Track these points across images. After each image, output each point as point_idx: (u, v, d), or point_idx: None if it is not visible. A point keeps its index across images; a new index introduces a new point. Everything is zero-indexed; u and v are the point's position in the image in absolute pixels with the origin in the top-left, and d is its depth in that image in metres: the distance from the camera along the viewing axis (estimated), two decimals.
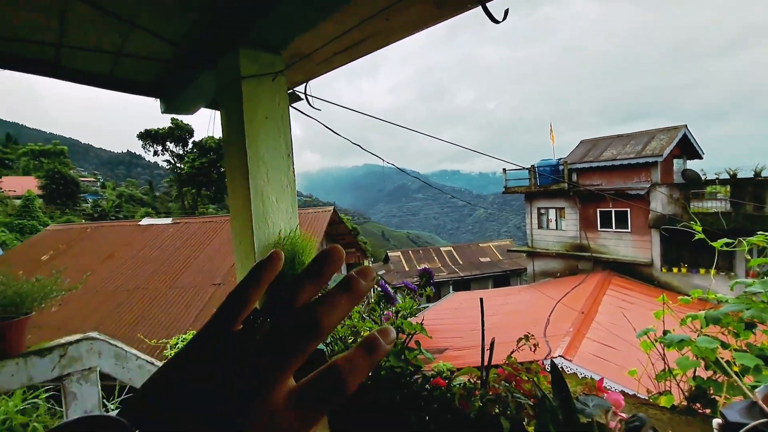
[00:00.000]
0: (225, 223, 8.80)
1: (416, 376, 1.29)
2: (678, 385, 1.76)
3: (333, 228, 8.71)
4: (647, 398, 1.84)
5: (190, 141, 54.21)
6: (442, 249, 28.78)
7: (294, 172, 1.70)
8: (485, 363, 1.22)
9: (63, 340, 2.01)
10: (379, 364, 1.33)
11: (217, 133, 2.10)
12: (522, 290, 18.68)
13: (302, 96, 2.11)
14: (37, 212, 31.91)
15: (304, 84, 2.15)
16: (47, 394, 4.18)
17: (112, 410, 4.07)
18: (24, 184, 40.95)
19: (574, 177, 16.52)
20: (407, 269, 26.05)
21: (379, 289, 1.46)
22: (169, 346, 5.12)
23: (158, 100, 2.34)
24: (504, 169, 18.96)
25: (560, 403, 0.84)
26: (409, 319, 1.52)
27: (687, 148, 14.87)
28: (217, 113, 2.53)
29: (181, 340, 5.20)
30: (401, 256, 27.45)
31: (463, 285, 26.41)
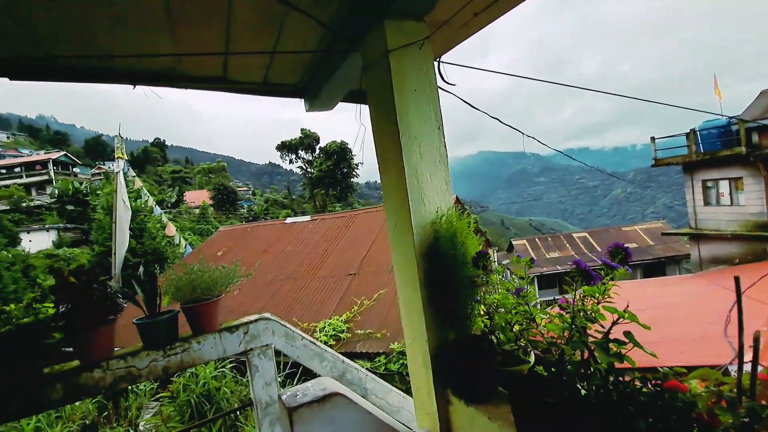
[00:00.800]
0: (354, 218, 9.36)
1: (630, 378, 1.03)
2: None
3: None
4: None
5: (317, 147, 60.30)
6: (574, 235, 25.79)
7: (446, 146, 1.58)
8: (743, 365, 0.89)
9: (245, 320, 2.26)
10: (579, 359, 1.11)
11: (348, 127, 2.10)
12: (684, 280, 15.42)
13: (441, 71, 1.98)
14: (210, 218, 39.69)
15: (438, 60, 2.01)
16: (231, 365, 5.02)
17: (281, 382, 4.68)
18: (200, 196, 51.28)
19: (755, 138, 12.78)
20: (535, 258, 24.08)
21: (573, 265, 1.22)
22: (318, 329, 5.68)
23: (302, 100, 2.51)
24: (652, 138, 15.87)
25: None
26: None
27: None
28: (352, 106, 2.60)
29: (327, 324, 5.71)
30: (527, 245, 25.54)
31: None
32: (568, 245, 24.81)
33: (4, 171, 43.06)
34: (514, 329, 1.52)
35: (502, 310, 1.45)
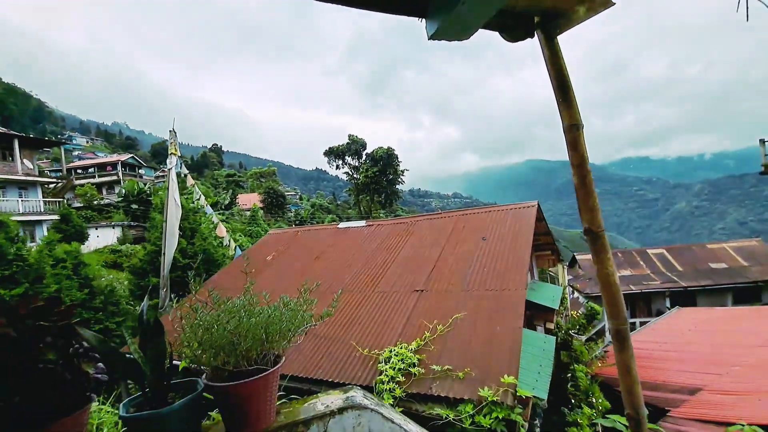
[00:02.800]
0: (414, 225, 8.34)
1: None
2: None
3: (536, 226, 7.16)
4: None
5: (364, 153, 60.30)
6: (650, 251, 22.93)
7: None
8: None
9: (321, 406, 1.22)
10: None
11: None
12: None
13: None
14: (260, 221, 40.50)
15: None
16: None
17: None
18: (251, 199, 52.87)
19: None
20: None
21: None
22: (382, 358, 4.66)
23: (423, 21, 1.53)
24: (762, 140, 13.46)
25: None
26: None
27: None
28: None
29: (394, 354, 4.67)
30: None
31: (684, 298, 20.29)
32: (642, 263, 22.07)
33: (81, 171, 46.98)
34: None
35: None
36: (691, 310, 16.17)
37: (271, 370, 1.17)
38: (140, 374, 1.11)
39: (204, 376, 1.19)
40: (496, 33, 1.71)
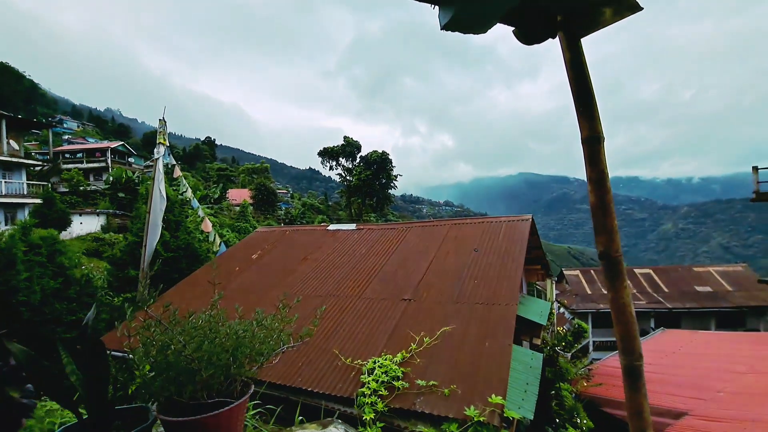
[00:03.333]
0: (406, 232, 8.18)
1: None
2: None
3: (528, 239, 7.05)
4: None
5: (358, 156, 60.10)
6: (636, 271, 23.11)
7: None
8: None
9: None
10: None
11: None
12: None
13: None
14: (249, 216, 39.93)
15: None
16: None
17: None
18: (242, 195, 52.18)
19: None
20: (589, 292, 21.72)
21: None
22: (365, 369, 4.45)
23: (436, 8, 1.37)
24: (755, 167, 13.64)
25: None
26: None
27: None
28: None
29: (378, 365, 4.47)
30: (581, 276, 23.16)
31: (668, 319, 20.44)
32: (629, 281, 22.21)
33: (69, 156, 45.84)
34: None
35: None
36: (676, 332, 16.24)
37: (237, 403, 0.98)
38: (76, 398, 0.91)
39: (155, 405, 0.99)
40: (498, 42, 1.55)
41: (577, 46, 1.46)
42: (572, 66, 1.46)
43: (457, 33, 1.38)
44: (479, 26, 1.36)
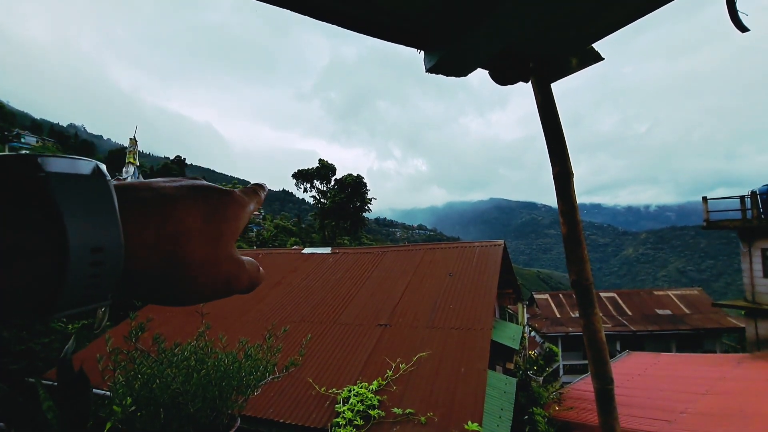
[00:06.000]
0: (382, 256, 8.20)
1: None
2: None
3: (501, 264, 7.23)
4: None
5: (333, 178, 60.16)
6: (602, 294, 23.97)
7: None
8: None
9: None
10: None
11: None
12: (744, 360, 13.62)
13: None
14: None
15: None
16: None
17: None
18: None
19: None
20: (558, 315, 22.22)
21: None
22: (340, 398, 4.34)
23: (422, 53, 1.47)
24: (704, 198, 14.73)
25: None
26: None
27: None
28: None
29: (353, 394, 4.38)
30: (550, 300, 23.74)
31: (632, 342, 21.17)
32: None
33: None
34: None
35: None
36: (641, 354, 16.82)
37: None
38: None
39: None
40: (471, 73, 1.67)
41: (548, 90, 1.59)
42: (543, 109, 1.59)
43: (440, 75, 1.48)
44: (461, 71, 1.47)
